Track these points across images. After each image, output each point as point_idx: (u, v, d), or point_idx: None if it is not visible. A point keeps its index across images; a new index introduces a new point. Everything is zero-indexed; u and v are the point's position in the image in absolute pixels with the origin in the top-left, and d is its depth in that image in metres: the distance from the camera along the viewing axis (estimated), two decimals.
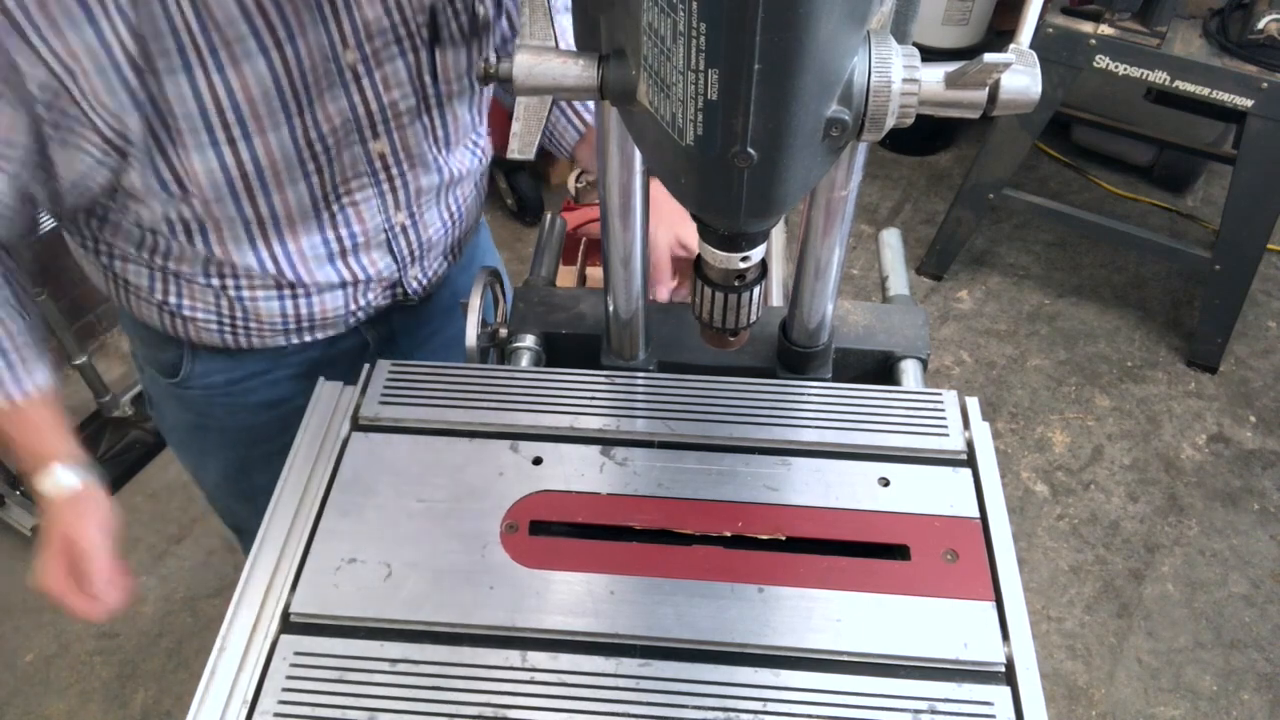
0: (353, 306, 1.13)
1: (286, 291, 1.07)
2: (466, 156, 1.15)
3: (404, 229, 1.11)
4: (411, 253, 1.14)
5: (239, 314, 1.08)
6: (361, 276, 1.11)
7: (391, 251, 1.12)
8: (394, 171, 1.04)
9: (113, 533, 0.98)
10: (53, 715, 2.05)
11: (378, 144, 1.00)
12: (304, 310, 1.10)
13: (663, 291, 1.16)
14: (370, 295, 1.14)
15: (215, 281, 1.05)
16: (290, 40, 0.86)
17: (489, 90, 1.13)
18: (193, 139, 0.87)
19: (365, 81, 0.94)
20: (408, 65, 0.97)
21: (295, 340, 1.14)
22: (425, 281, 1.20)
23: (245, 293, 1.06)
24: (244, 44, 0.84)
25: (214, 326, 1.10)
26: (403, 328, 1.26)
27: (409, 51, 0.96)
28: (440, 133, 1.06)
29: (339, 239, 1.06)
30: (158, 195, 0.91)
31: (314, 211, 1.00)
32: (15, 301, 0.98)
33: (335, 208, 1.02)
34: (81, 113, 0.81)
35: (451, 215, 1.18)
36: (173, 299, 1.07)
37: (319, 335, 1.15)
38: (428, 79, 0.99)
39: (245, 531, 0.95)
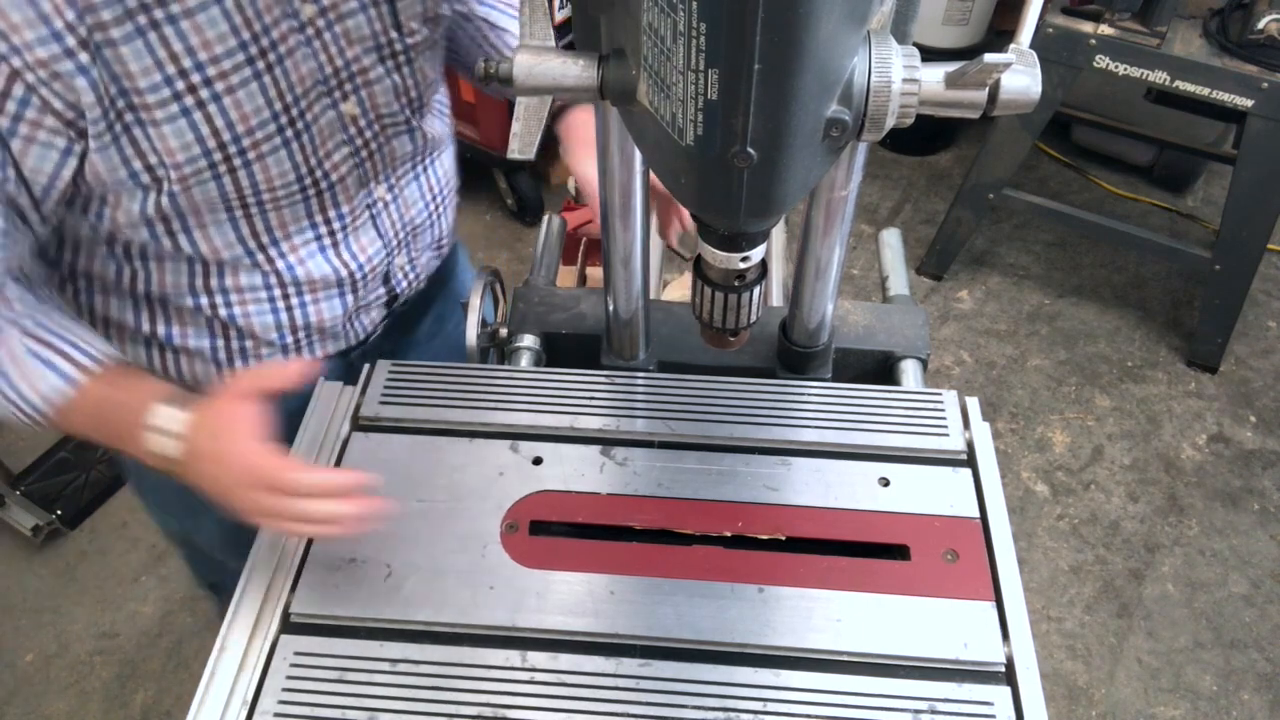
0: (350, 307, 1.11)
1: (279, 295, 1.04)
2: (436, 122, 1.12)
3: (385, 205, 1.08)
4: (396, 234, 1.11)
5: (233, 333, 1.05)
6: (354, 267, 1.07)
7: (377, 230, 1.08)
8: (367, 135, 1.01)
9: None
10: (53, 715, 2.05)
11: (348, 105, 0.97)
12: (299, 319, 1.07)
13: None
14: (366, 295, 1.12)
15: (203, 300, 1.01)
16: None
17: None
18: (161, 110, 0.84)
19: (327, 36, 0.92)
20: (369, 19, 0.94)
21: (295, 358, 1.11)
22: (414, 276, 1.18)
23: (236, 309, 1.03)
24: None
25: (208, 353, 1.06)
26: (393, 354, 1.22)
27: (369, 5, 0.94)
28: (413, 93, 1.03)
29: (326, 221, 1.02)
30: (128, 189, 0.88)
31: (299, 187, 0.97)
32: (47, 301, 0.95)
33: (320, 180, 0.98)
34: (31, 91, 0.78)
35: (433, 193, 1.15)
36: (161, 329, 1.03)
37: (318, 350, 1.12)
38: (393, 34, 0.97)
39: (228, 589, 0.88)
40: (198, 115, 0.85)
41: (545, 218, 1.30)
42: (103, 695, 2.08)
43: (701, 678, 0.81)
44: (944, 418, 1.00)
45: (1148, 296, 2.94)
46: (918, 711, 0.79)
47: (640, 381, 1.04)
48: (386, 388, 1.02)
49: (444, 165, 1.17)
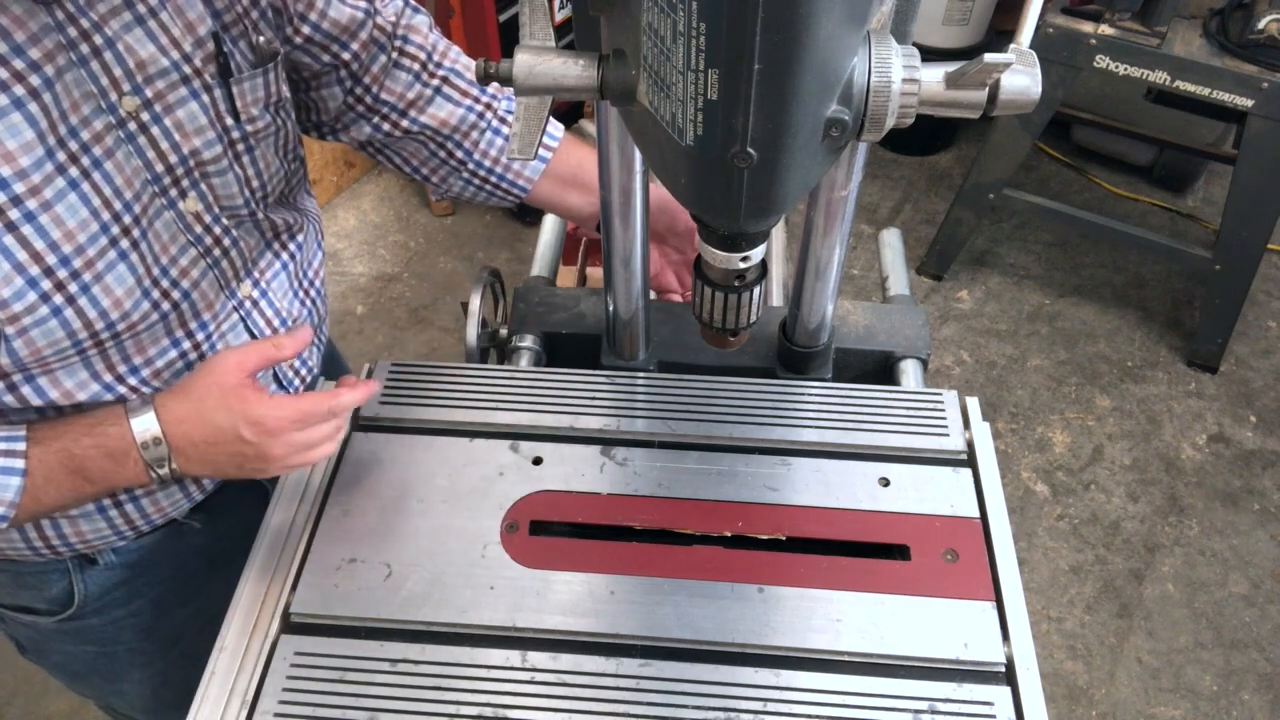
0: None
1: None
2: (289, 214, 1.03)
3: (254, 303, 0.98)
4: (274, 332, 1.00)
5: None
6: None
7: (251, 333, 0.98)
8: (216, 231, 0.90)
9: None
10: (53, 715, 2.05)
11: (188, 202, 0.87)
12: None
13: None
14: None
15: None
16: (48, 86, 0.73)
17: (293, 129, 0.99)
18: None
19: (155, 130, 0.82)
20: (203, 106, 0.85)
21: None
22: (305, 372, 1.08)
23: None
24: None
25: (97, 517, 0.94)
26: None
27: (201, 91, 0.84)
28: (255, 183, 0.93)
29: (189, 335, 0.91)
30: None
31: (150, 303, 0.85)
32: None
33: (171, 290, 0.87)
34: None
35: (301, 279, 1.06)
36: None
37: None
38: (229, 121, 0.88)
39: None
40: (8, 239, 0.73)
41: (545, 218, 1.30)
42: None
43: (701, 678, 0.81)
44: (944, 418, 1.00)
45: (1148, 296, 2.94)
46: (918, 711, 0.79)
47: (640, 381, 1.04)
48: (387, 388, 1.02)
49: (309, 246, 1.07)
